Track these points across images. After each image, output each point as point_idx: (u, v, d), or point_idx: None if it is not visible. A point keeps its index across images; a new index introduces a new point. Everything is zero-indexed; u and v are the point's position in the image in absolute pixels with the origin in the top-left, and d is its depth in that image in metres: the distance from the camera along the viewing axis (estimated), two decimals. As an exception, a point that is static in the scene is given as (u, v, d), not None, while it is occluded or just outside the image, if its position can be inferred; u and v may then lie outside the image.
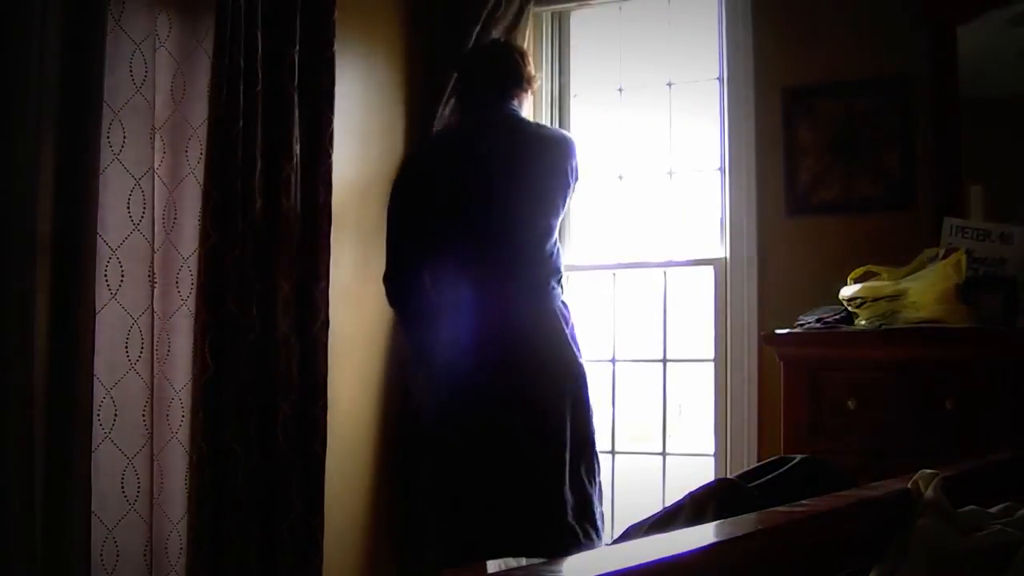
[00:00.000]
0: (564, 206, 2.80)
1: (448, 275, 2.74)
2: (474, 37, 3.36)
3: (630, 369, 3.68)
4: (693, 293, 3.51)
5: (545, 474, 2.58)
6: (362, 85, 3.27)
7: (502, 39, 3.28)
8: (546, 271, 2.72)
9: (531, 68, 2.92)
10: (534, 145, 2.79)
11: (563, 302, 2.77)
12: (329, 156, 2.84)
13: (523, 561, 2.69)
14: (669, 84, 3.57)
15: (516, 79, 2.86)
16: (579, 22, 3.70)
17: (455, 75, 3.16)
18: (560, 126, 3.48)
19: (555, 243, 2.76)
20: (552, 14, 3.62)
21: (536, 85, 2.97)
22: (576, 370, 2.70)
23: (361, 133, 3.25)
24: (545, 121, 3.45)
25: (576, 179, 2.82)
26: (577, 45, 3.67)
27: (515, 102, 2.85)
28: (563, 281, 2.82)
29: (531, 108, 3.18)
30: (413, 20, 3.55)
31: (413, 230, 2.76)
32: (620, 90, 3.65)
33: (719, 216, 3.38)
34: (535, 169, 2.76)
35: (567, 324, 2.73)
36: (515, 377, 2.60)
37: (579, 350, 2.76)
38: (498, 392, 2.60)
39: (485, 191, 2.71)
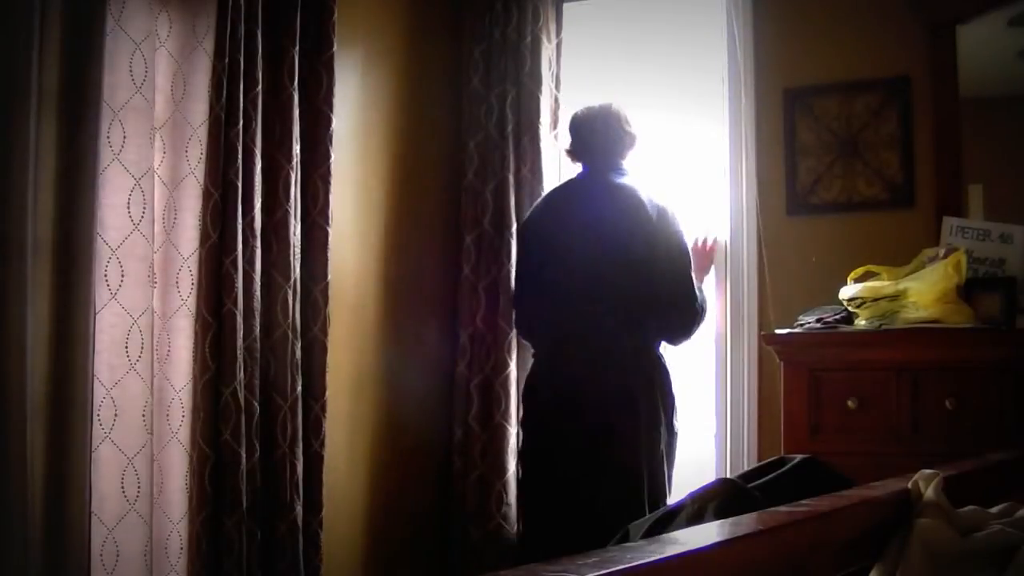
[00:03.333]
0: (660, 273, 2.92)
1: (538, 326, 3.09)
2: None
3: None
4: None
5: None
6: (362, 85, 3.27)
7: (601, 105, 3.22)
8: (630, 338, 2.87)
9: (633, 129, 3.07)
10: (624, 215, 2.93)
11: (658, 369, 2.90)
12: (329, 156, 2.84)
13: None
14: (668, 84, 3.57)
15: (625, 144, 3.05)
16: (572, 19, 3.67)
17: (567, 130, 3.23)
18: (556, 124, 3.46)
19: (654, 306, 2.89)
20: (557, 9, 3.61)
21: (636, 143, 3.10)
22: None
23: (361, 133, 3.25)
24: (544, 121, 3.43)
25: (673, 245, 2.93)
26: (570, 41, 3.65)
27: (621, 163, 3.04)
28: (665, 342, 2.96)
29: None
30: (414, 20, 3.55)
31: (520, 270, 3.21)
32: (618, 91, 3.65)
33: (718, 217, 3.38)
34: (621, 238, 2.91)
35: (645, 374, 2.87)
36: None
37: (659, 413, 2.85)
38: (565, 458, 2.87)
39: (565, 255, 2.97)
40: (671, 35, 3.58)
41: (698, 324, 2.95)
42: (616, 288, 2.88)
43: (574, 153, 3.13)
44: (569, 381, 2.89)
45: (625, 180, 3.00)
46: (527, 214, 3.26)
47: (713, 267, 3.35)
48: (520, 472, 3.15)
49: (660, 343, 2.94)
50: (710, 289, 3.22)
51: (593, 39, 3.68)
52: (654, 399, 2.83)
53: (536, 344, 3.12)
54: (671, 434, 2.87)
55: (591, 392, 2.84)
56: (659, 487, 2.82)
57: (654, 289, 2.89)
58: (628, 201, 2.94)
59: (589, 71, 3.66)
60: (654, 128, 3.56)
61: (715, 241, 3.31)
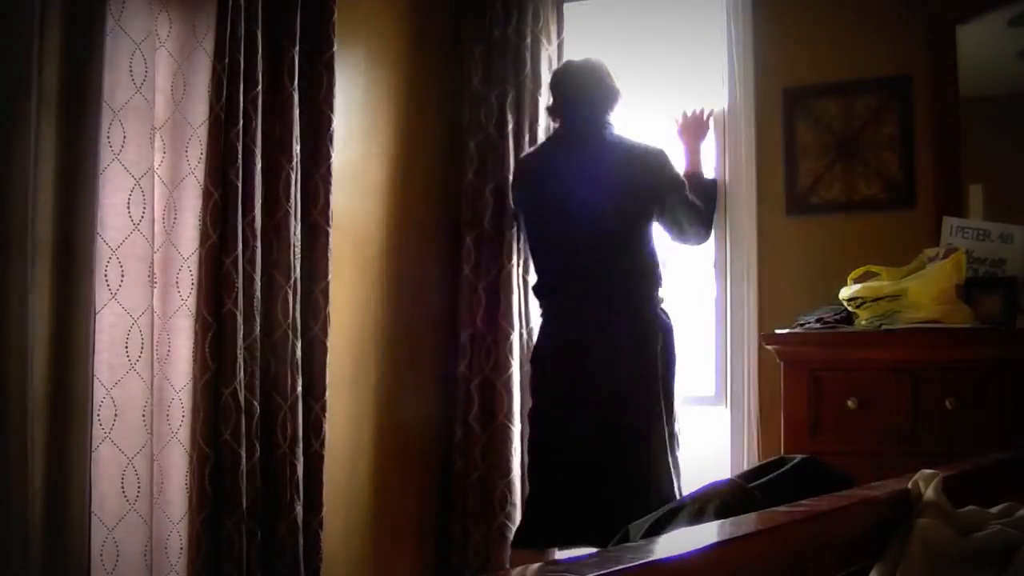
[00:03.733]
0: (655, 214, 3.03)
1: (542, 279, 3.14)
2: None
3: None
4: (693, 293, 3.51)
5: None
6: (363, 84, 3.27)
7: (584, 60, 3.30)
8: (632, 283, 2.95)
9: (617, 84, 3.10)
10: (619, 162, 3.01)
11: (657, 311, 2.98)
12: (329, 156, 2.84)
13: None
14: (668, 84, 3.56)
15: (609, 97, 3.08)
16: (573, 19, 3.68)
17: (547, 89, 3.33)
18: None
19: (647, 251, 2.99)
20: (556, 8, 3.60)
21: (619, 98, 3.12)
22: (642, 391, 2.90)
23: (362, 133, 3.25)
24: (542, 117, 3.43)
25: (672, 187, 3.05)
26: (571, 41, 3.65)
27: (607, 118, 3.06)
28: (659, 285, 3.02)
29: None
30: (415, 20, 3.55)
31: (527, 232, 3.24)
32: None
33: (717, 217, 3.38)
34: (616, 186, 2.97)
35: (649, 336, 2.93)
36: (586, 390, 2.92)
37: (663, 362, 2.94)
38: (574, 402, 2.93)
39: (562, 208, 3.02)
40: (671, 35, 3.58)
41: (710, 226, 3.19)
42: (619, 243, 2.97)
43: (556, 109, 3.17)
44: (577, 346, 2.96)
45: (613, 132, 3.06)
46: (514, 173, 3.34)
47: (713, 268, 3.35)
48: (530, 433, 3.15)
49: (661, 301, 3.02)
50: (708, 159, 3.32)
51: (593, 39, 3.67)
52: (654, 356, 2.92)
53: (546, 307, 3.13)
54: (669, 387, 2.96)
55: (598, 357, 2.91)
56: (662, 442, 2.89)
57: (667, 227, 3.08)
58: (624, 154, 3.03)
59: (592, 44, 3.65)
60: (654, 128, 3.57)
61: (711, 111, 3.35)
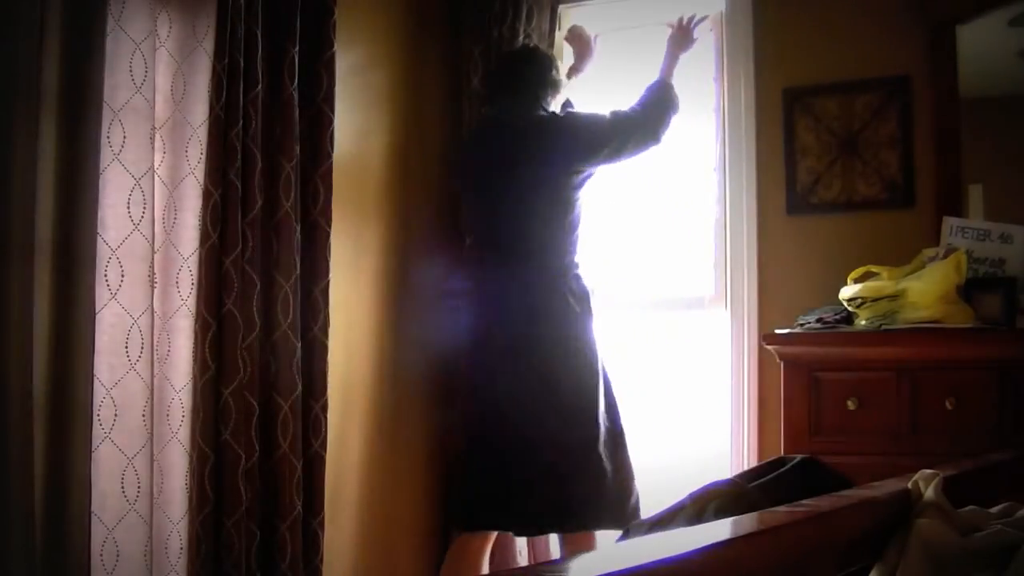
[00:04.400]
0: (573, 187, 2.97)
1: (467, 257, 3.18)
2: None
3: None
4: (694, 293, 3.51)
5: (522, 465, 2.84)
6: (362, 85, 3.27)
7: (531, 43, 3.41)
8: (551, 258, 2.92)
9: (556, 73, 3.12)
10: (531, 138, 2.98)
11: (573, 288, 2.93)
12: (329, 156, 2.84)
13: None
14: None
15: (538, 83, 3.07)
16: (574, 19, 3.69)
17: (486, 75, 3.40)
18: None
19: (566, 226, 2.94)
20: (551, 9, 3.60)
21: (560, 89, 3.13)
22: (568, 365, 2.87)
23: (361, 133, 3.25)
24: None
25: (591, 144, 2.98)
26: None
27: (536, 103, 3.05)
28: (577, 263, 2.98)
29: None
30: (414, 20, 3.55)
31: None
32: (618, 90, 3.65)
33: (717, 218, 3.38)
34: (531, 163, 2.94)
35: (568, 313, 2.89)
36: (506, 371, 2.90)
37: (580, 338, 2.91)
38: (497, 376, 2.91)
39: (484, 188, 3.02)
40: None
41: (657, 131, 3.06)
42: (534, 218, 2.95)
43: (491, 94, 3.20)
44: (495, 327, 2.96)
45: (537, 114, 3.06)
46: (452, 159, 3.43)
47: (713, 268, 3.35)
48: (464, 414, 3.14)
49: (576, 267, 2.99)
50: (681, 69, 3.26)
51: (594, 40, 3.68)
52: (573, 338, 2.91)
53: (471, 286, 3.12)
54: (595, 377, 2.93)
55: (513, 345, 2.91)
56: (588, 439, 2.85)
57: (614, 160, 3.03)
58: (534, 129, 3.01)
59: (591, 70, 3.65)
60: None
61: (702, 18, 3.25)
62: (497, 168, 3.00)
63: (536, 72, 3.09)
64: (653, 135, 3.04)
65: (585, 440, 2.82)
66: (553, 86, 3.10)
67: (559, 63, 3.21)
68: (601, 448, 2.83)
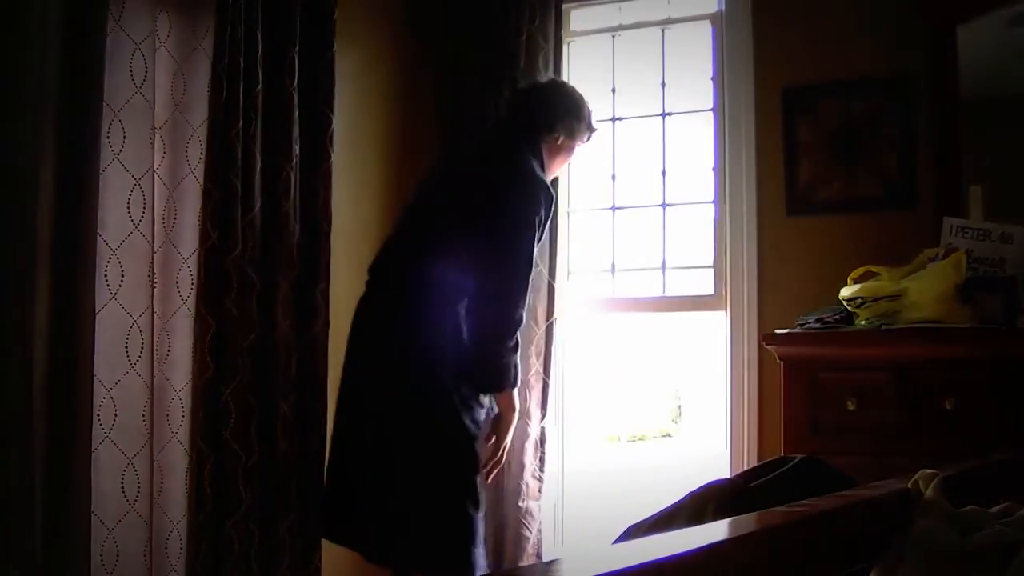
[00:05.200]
0: (499, 250, 2.54)
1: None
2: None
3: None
4: (694, 295, 3.51)
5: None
6: (361, 85, 3.27)
7: (550, 77, 3.17)
8: (442, 304, 2.54)
9: (572, 121, 2.80)
10: (484, 179, 2.65)
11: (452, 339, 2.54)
12: (329, 156, 2.84)
13: None
14: (663, 84, 3.57)
15: (532, 123, 2.76)
16: (576, 20, 3.69)
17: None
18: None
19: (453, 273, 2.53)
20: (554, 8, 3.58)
21: (559, 141, 2.80)
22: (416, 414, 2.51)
23: (360, 133, 3.25)
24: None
25: (526, 226, 2.55)
26: (572, 42, 3.67)
27: (525, 144, 2.71)
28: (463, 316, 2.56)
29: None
30: (413, 20, 3.56)
31: None
32: (613, 91, 3.65)
33: (716, 218, 3.38)
34: (472, 204, 2.59)
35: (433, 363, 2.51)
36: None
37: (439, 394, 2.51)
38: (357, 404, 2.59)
39: (415, 210, 2.73)
40: (670, 35, 3.58)
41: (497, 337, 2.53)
42: (427, 251, 2.60)
43: (500, 116, 2.99)
44: (362, 348, 2.63)
45: (521, 155, 2.69)
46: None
47: (713, 269, 3.34)
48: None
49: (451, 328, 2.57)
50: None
51: (594, 40, 3.68)
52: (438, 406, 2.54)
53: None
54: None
55: (375, 373, 2.58)
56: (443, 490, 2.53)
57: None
58: (496, 168, 2.66)
59: (590, 71, 3.66)
60: (653, 128, 3.58)
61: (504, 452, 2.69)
62: (434, 200, 2.71)
63: (549, 113, 2.79)
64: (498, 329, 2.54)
65: (438, 476, 2.51)
66: (568, 132, 2.80)
67: (587, 114, 2.87)
68: (452, 490, 2.52)
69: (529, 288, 2.60)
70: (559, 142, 2.81)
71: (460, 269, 2.54)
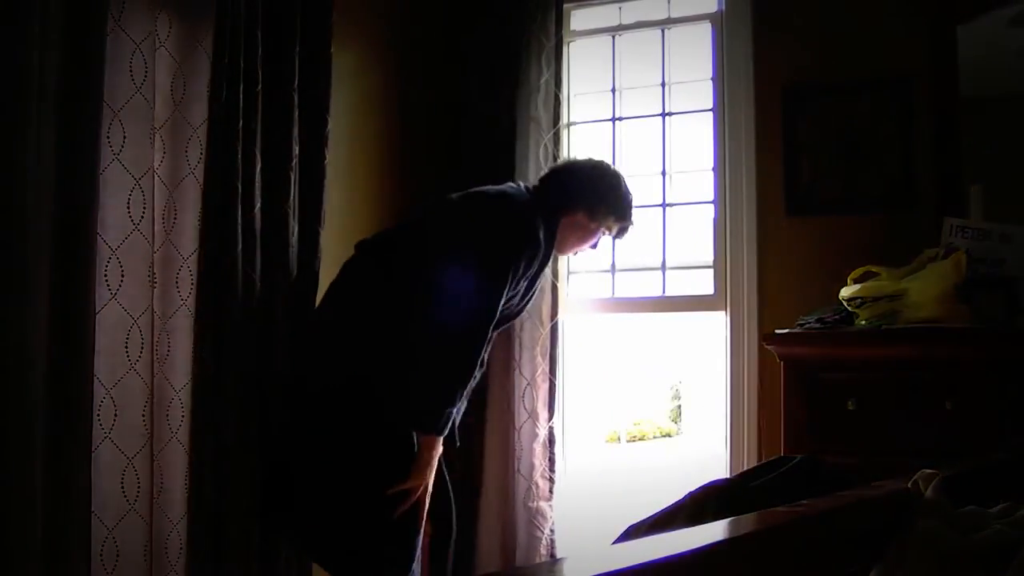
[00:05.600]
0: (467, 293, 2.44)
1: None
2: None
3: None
4: (694, 295, 3.51)
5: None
6: (360, 85, 3.27)
7: (598, 159, 2.96)
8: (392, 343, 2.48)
9: (585, 201, 2.75)
10: (475, 222, 2.59)
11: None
12: (324, 158, 2.83)
13: None
14: (663, 84, 3.57)
15: (558, 191, 2.74)
16: (577, 20, 3.69)
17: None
18: (556, 122, 3.43)
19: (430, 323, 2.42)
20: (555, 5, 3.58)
21: (578, 218, 2.76)
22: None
23: (359, 133, 3.25)
24: (543, 119, 3.42)
25: (496, 271, 2.47)
26: (573, 42, 3.67)
27: (539, 206, 2.67)
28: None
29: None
30: (412, 19, 3.55)
31: None
32: (613, 90, 3.65)
33: (716, 218, 3.38)
34: (448, 243, 2.53)
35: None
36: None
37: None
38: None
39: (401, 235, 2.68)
40: (670, 35, 3.58)
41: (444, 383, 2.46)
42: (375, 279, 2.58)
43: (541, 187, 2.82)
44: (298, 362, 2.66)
45: (527, 206, 2.66)
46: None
47: (713, 269, 3.34)
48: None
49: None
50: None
51: (595, 41, 3.69)
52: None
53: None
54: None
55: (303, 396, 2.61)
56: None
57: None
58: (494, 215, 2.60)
59: (591, 71, 3.66)
60: (653, 128, 3.58)
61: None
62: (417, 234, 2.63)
63: (576, 188, 2.76)
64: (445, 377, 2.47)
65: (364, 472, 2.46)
66: (590, 213, 2.75)
67: (621, 205, 2.82)
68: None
69: (487, 340, 2.49)
70: (578, 219, 2.78)
71: (421, 291, 2.45)
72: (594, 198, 2.79)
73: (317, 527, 2.52)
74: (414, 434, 2.48)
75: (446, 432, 2.49)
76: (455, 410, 2.48)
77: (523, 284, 2.60)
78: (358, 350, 2.51)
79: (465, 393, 2.51)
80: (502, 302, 2.50)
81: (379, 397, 2.47)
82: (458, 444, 2.64)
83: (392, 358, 2.47)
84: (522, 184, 2.89)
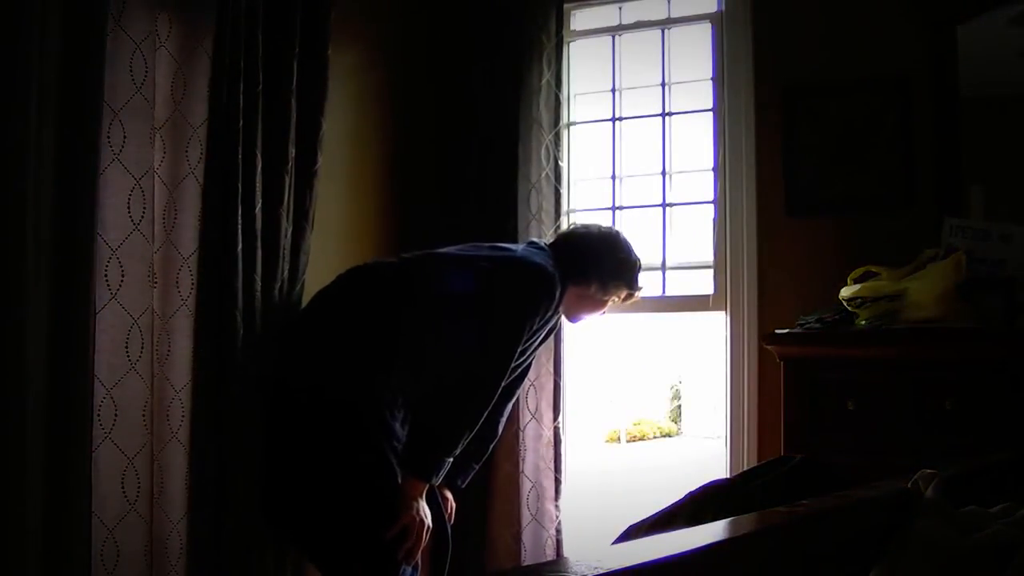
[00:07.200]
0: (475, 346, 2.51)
1: None
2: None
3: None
4: (694, 295, 3.51)
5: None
6: (360, 85, 3.27)
7: (609, 228, 2.97)
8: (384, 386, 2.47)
9: (598, 276, 2.77)
10: (489, 274, 2.60)
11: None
12: (316, 160, 2.83)
13: None
14: (664, 84, 3.57)
15: (569, 262, 2.72)
16: (577, 20, 3.70)
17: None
18: (556, 123, 3.43)
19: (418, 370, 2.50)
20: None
21: (590, 291, 2.78)
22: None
23: (359, 134, 3.25)
24: (543, 120, 3.42)
25: (512, 324, 2.53)
26: (573, 42, 3.67)
27: (557, 268, 2.66)
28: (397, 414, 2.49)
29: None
30: (412, 19, 3.55)
31: None
32: (614, 90, 3.65)
33: (716, 219, 3.38)
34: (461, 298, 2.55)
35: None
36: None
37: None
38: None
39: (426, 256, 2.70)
40: (671, 35, 3.59)
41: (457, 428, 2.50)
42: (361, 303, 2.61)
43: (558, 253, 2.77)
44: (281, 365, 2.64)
45: (547, 264, 2.66)
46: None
47: (712, 269, 3.34)
48: None
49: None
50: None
51: (596, 41, 3.69)
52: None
53: None
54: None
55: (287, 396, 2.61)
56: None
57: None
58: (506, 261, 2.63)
59: (591, 71, 3.66)
60: (653, 128, 3.58)
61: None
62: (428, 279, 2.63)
63: (588, 262, 2.76)
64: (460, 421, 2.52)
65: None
66: (602, 288, 2.78)
67: (632, 277, 2.85)
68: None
69: (494, 396, 2.53)
70: (590, 293, 2.80)
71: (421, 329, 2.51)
72: (606, 274, 2.80)
73: (306, 533, 2.53)
74: (393, 462, 2.45)
75: (438, 481, 2.52)
76: (452, 459, 2.51)
77: (531, 342, 2.65)
78: (348, 371, 2.51)
79: (463, 443, 2.54)
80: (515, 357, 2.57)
81: (366, 427, 2.46)
82: (463, 486, 2.72)
83: (383, 390, 2.48)
84: (542, 242, 2.90)
